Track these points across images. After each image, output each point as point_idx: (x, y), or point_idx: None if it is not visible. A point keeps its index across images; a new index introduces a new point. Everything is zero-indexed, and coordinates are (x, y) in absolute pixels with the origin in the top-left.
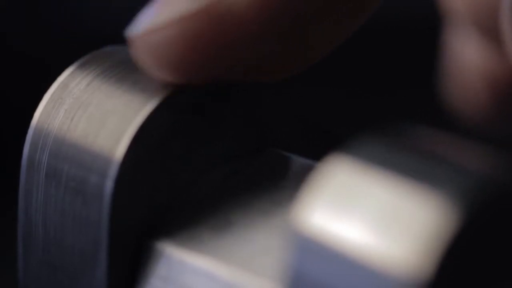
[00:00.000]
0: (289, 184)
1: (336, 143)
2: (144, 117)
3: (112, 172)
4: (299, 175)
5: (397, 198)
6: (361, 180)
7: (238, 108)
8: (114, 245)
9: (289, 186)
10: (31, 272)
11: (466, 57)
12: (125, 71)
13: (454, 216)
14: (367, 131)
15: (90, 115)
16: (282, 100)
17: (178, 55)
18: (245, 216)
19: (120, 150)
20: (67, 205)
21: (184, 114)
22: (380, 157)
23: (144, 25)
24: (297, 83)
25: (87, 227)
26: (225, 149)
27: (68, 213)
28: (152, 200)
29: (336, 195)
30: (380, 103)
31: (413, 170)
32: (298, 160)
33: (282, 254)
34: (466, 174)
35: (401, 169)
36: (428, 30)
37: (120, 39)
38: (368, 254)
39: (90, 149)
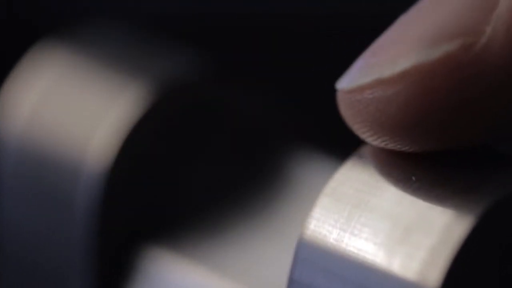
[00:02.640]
0: (289, 187)
1: (340, 146)
2: (135, 122)
3: (102, 179)
4: (300, 178)
5: (407, 207)
6: (371, 189)
7: (236, 110)
8: (100, 255)
9: (290, 189)
10: (10, 278)
11: None
12: (112, 72)
13: (461, 224)
14: None
15: (76, 120)
16: (283, 102)
17: (399, 116)
18: (243, 222)
19: (109, 157)
20: (52, 216)
21: (177, 117)
22: (389, 165)
23: (355, 79)
24: (299, 86)
25: (73, 237)
26: (223, 151)
27: (54, 222)
28: (143, 208)
29: (346, 206)
30: None
31: (422, 178)
32: (299, 163)
33: (279, 265)
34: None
35: (409, 176)
36: None
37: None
38: (375, 262)
39: (77, 156)
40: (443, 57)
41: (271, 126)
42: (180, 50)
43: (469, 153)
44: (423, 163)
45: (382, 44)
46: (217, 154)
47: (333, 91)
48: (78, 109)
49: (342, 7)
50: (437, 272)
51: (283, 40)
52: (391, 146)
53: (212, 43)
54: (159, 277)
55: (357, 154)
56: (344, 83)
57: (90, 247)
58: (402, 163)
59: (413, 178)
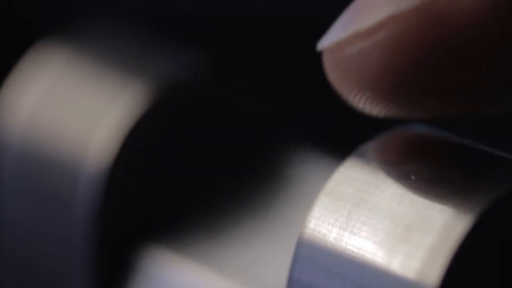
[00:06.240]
0: (289, 186)
1: (340, 145)
2: (135, 122)
3: (102, 179)
4: (300, 177)
5: (406, 206)
6: (371, 188)
7: (236, 109)
8: (100, 255)
9: (289, 189)
10: (9, 278)
11: None
12: (112, 72)
13: (461, 223)
14: (377, 137)
15: (76, 120)
16: (283, 101)
17: (380, 70)
18: (242, 221)
19: (109, 157)
20: (52, 216)
21: (177, 117)
22: (388, 163)
23: (337, 34)
24: (300, 86)
25: (72, 237)
26: (223, 151)
27: (54, 222)
28: (143, 208)
29: (345, 205)
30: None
31: (421, 177)
32: (298, 163)
33: (279, 264)
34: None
35: (409, 175)
36: None
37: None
38: (375, 261)
39: (78, 156)
40: (419, 6)
41: (271, 126)
42: (180, 50)
43: (469, 152)
44: (423, 162)
45: (363, 1)
46: (217, 154)
47: (333, 91)
48: (78, 109)
49: (342, 7)
50: (436, 271)
51: (283, 39)
52: (379, 110)
53: (212, 43)
54: (159, 277)
55: (356, 153)
56: (325, 42)
57: (89, 247)
58: (401, 161)
59: (413, 177)
